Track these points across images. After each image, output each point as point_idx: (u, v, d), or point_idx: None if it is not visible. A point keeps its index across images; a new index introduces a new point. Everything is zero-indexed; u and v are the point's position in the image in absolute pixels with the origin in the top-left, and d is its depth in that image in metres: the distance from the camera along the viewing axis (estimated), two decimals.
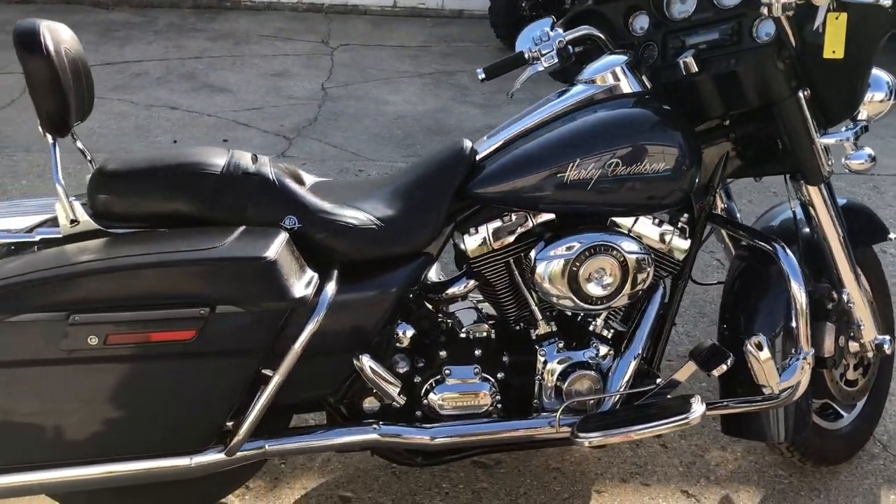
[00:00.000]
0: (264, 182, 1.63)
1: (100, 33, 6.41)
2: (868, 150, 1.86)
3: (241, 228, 1.53)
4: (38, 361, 1.39)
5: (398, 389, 1.69)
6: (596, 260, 1.72)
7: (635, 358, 1.85)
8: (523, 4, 6.70)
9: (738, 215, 2.08)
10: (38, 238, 1.55)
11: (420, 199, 1.73)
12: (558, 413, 1.78)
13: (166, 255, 1.40)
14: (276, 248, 1.47)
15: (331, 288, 1.53)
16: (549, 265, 1.72)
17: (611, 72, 1.81)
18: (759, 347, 1.70)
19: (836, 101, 1.77)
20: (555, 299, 1.75)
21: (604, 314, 1.86)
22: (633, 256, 1.73)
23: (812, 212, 1.92)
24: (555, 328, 1.85)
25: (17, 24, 1.49)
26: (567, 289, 1.73)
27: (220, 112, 4.85)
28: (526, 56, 1.94)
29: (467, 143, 1.80)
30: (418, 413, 1.79)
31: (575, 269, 1.72)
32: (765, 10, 1.61)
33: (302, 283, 1.49)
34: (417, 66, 6.27)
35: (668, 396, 1.86)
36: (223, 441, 1.56)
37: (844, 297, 1.96)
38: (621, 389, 1.83)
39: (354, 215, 1.67)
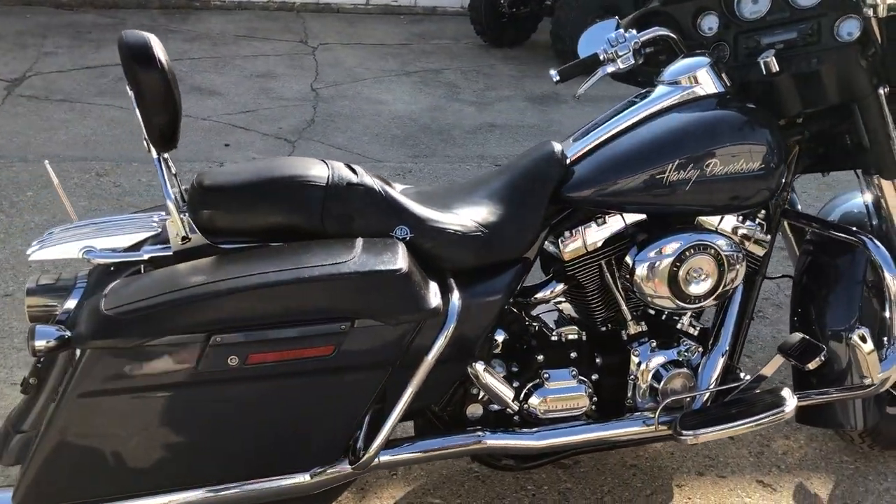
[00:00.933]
0: (370, 192, 1.61)
1: (71, 36, 6.22)
2: None
3: (360, 241, 1.50)
4: (172, 385, 1.35)
5: (513, 395, 1.69)
6: (694, 259, 1.74)
7: (722, 354, 1.88)
8: (502, 1, 6.73)
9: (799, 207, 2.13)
10: (146, 257, 1.51)
11: (519, 205, 1.73)
12: (657, 411, 1.80)
13: (305, 270, 1.37)
14: (405, 259, 1.45)
15: (456, 297, 1.52)
16: (648, 266, 1.74)
17: (695, 73, 1.83)
18: (864, 340, 1.75)
19: None
20: (652, 300, 1.77)
21: (689, 312, 1.89)
22: (728, 254, 1.76)
23: (884, 204, 1.98)
24: (644, 328, 1.87)
25: (124, 36, 1.44)
26: (667, 289, 1.75)
27: (213, 116, 4.75)
28: (601, 58, 1.95)
29: (558, 147, 1.81)
30: (516, 418, 1.80)
31: (675, 269, 1.73)
32: (870, 12, 1.64)
33: (431, 294, 1.48)
34: (402, 64, 6.24)
35: (756, 391, 1.89)
36: (346, 455, 1.54)
37: None
38: (711, 386, 1.86)
39: (461, 223, 1.66)
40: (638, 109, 1.83)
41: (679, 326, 1.90)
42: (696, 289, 1.76)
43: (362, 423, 1.51)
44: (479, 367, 1.64)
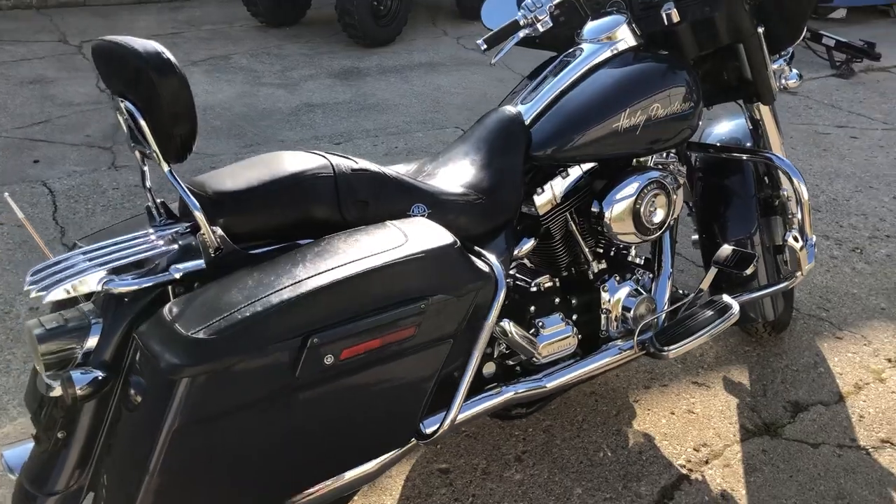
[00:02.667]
0: (377, 176, 1.62)
1: None
2: (797, 71, 2.28)
3: (393, 223, 1.52)
4: (271, 395, 1.29)
5: (538, 346, 1.80)
6: (650, 195, 1.94)
7: (669, 277, 2.12)
8: None
9: None
10: (177, 275, 1.41)
11: (503, 170, 1.82)
12: (635, 336, 2.00)
13: (376, 258, 1.37)
14: (448, 232, 1.50)
15: (495, 260, 1.59)
16: (617, 208, 1.91)
17: (615, 30, 2.01)
18: (796, 241, 2.06)
19: (784, 33, 2.15)
20: (620, 237, 1.95)
21: (635, 246, 2.11)
22: (672, 186, 1.99)
23: (762, 127, 2.31)
24: (605, 265, 2.06)
25: (136, 45, 1.33)
26: (632, 225, 1.94)
27: (3, 132, 4.25)
28: (521, 23, 2.08)
29: (514, 110, 1.91)
30: (518, 368, 1.91)
31: (637, 206, 1.93)
32: None
33: (480, 261, 1.54)
34: (185, 54, 5.92)
35: (699, 304, 2.15)
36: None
37: (783, 194, 2.40)
38: (667, 306, 2.10)
39: (464, 193, 1.73)
40: (575, 68, 1.98)
41: (629, 259, 2.11)
42: (654, 221, 1.98)
43: (430, 398, 1.54)
44: (507, 324, 1.73)
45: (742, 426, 2.24)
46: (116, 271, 1.40)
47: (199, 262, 1.43)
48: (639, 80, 1.93)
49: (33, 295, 1.40)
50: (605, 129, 1.88)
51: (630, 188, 1.93)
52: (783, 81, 2.27)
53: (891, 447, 2.17)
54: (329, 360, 1.32)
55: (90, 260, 1.45)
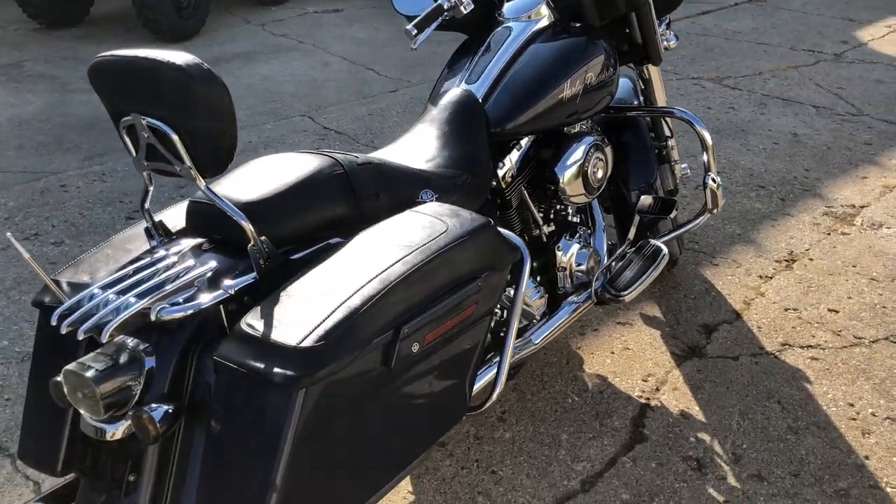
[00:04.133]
0: (381, 167, 1.65)
1: None
2: (674, 33, 2.56)
3: (420, 211, 1.56)
4: (368, 393, 1.31)
5: (533, 308, 1.93)
6: (593, 157, 2.12)
7: (603, 230, 2.33)
8: None
9: None
10: (233, 292, 1.37)
11: (475, 149, 1.90)
12: (593, 288, 2.18)
13: (433, 243, 1.41)
14: (476, 214, 1.57)
15: (511, 233, 1.67)
16: (569, 172, 2.07)
17: (538, 8, 2.15)
18: (714, 181, 2.33)
19: (669, 1, 2.40)
20: (572, 198, 2.12)
21: (570, 206, 2.28)
22: (606, 146, 2.18)
23: (651, 87, 2.57)
24: (553, 227, 2.22)
25: (168, 57, 1.26)
26: (582, 186, 2.11)
27: None
28: (445, 6, 2.16)
29: (467, 88, 2.00)
30: (501, 334, 2.03)
31: (585, 168, 2.10)
32: None
33: (510, 235, 1.62)
34: None
35: (632, 250, 2.38)
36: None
37: (669, 144, 2.69)
38: (607, 256, 2.31)
39: (453, 174, 1.79)
40: (511, 45, 2.10)
41: (570, 219, 2.28)
42: (598, 179, 2.16)
43: (476, 370, 1.61)
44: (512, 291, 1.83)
45: (672, 353, 2.52)
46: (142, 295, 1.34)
47: (250, 276, 1.40)
48: (572, 51, 2.09)
49: (82, 336, 1.31)
50: (553, 99, 2.02)
51: (578, 153, 2.09)
52: (665, 43, 2.54)
53: (790, 348, 2.54)
54: (415, 347, 1.36)
55: (122, 292, 1.37)
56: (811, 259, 3.06)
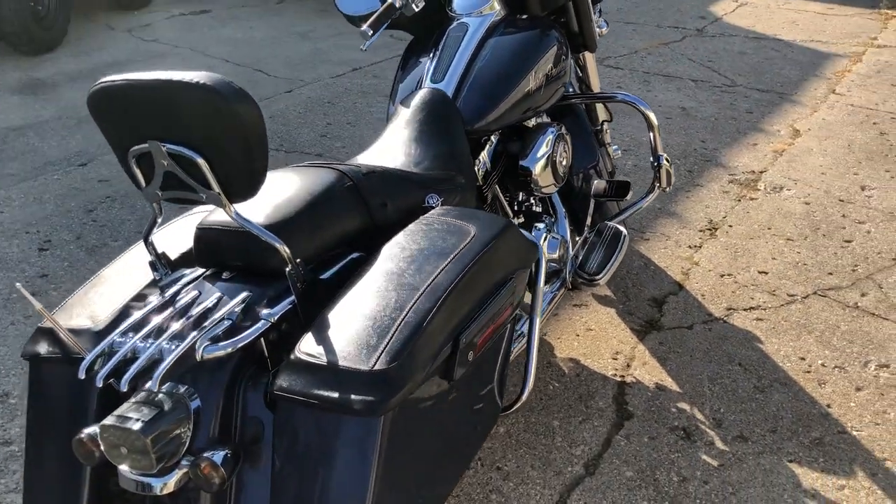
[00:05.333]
0: (386, 175, 1.62)
1: None
2: (605, 20, 2.63)
3: (435, 216, 1.54)
4: (431, 408, 1.28)
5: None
6: (558, 147, 2.16)
7: (565, 217, 2.37)
8: None
9: None
10: (274, 319, 1.30)
11: (458, 148, 1.88)
12: (567, 275, 2.22)
13: (470, 249, 1.39)
14: (494, 215, 1.56)
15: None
16: (540, 164, 2.09)
17: (492, 2, 2.16)
18: (668, 161, 2.41)
19: None
20: (543, 188, 2.14)
21: (532, 198, 2.31)
22: (566, 135, 2.22)
23: (587, 73, 2.64)
24: (524, 219, 2.24)
25: (199, 78, 1.18)
26: (551, 176, 2.14)
27: None
28: (397, 4, 2.12)
29: (438, 87, 1.98)
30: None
31: (553, 158, 2.13)
32: None
33: (525, 233, 1.62)
34: None
35: (591, 236, 2.43)
36: None
37: (604, 128, 2.77)
38: (572, 245, 2.35)
39: (449, 176, 1.77)
40: (471, 41, 2.09)
41: (535, 209, 2.31)
42: (564, 167, 2.20)
43: (505, 370, 1.60)
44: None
45: (632, 328, 2.61)
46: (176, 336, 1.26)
47: (287, 301, 1.34)
48: (532, 43, 2.11)
49: (126, 388, 1.22)
50: (521, 92, 2.04)
51: (545, 144, 2.12)
52: (598, 29, 2.60)
53: (735, 312, 2.69)
54: (471, 356, 1.35)
55: (150, 336, 1.28)
56: (731, 226, 3.25)
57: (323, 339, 1.25)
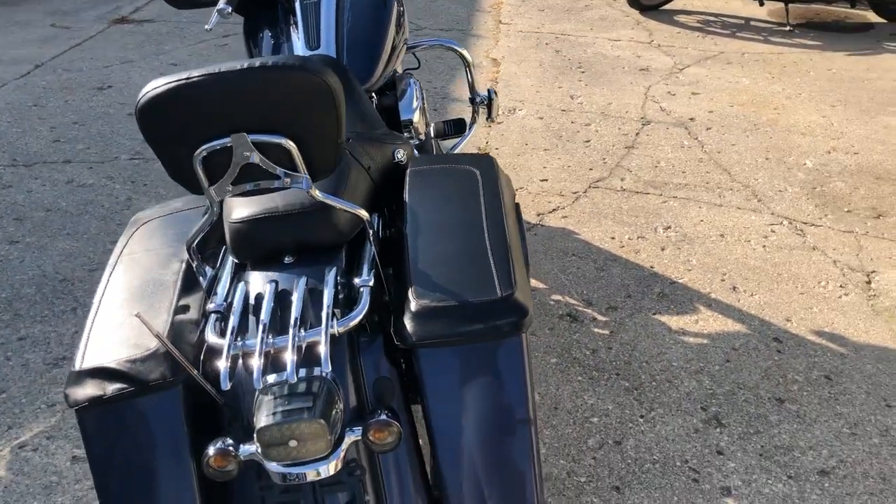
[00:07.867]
0: (360, 139, 1.69)
1: None
2: None
3: (432, 165, 1.65)
4: None
5: None
6: (422, 93, 2.33)
7: None
8: None
9: None
10: (338, 330, 1.32)
11: (371, 106, 1.97)
12: None
13: (491, 188, 1.54)
14: (478, 153, 1.72)
15: None
16: (417, 113, 2.25)
17: None
18: (495, 94, 2.68)
19: None
20: (421, 136, 2.30)
21: None
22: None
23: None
24: None
25: (294, 62, 1.17)
26: (424, 123, 2.32)
27: None
28: None
29: (323, 54, 2.02)
30: None
31: (422, 105, 2.30)
32: None
33: None
34: None
35: None
36: None
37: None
38: None
39: (392, 132, 1.87)
40: (329, 3, 2.14)
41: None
42: (428, 114, 2.38)
43: None
44: None
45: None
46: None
47: (367, 262, 1.41)
48: (379, 3, 2.23)
49: (261, 385, 1.22)
50: (390, 46, 2.17)
51: (414, 92, 2.28)
52: None
53: (545, 216, 3.13)
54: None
55: (277, 333, 1.28)
56: (497, 149, 3.68)
57: (432, 285, 1.34)
